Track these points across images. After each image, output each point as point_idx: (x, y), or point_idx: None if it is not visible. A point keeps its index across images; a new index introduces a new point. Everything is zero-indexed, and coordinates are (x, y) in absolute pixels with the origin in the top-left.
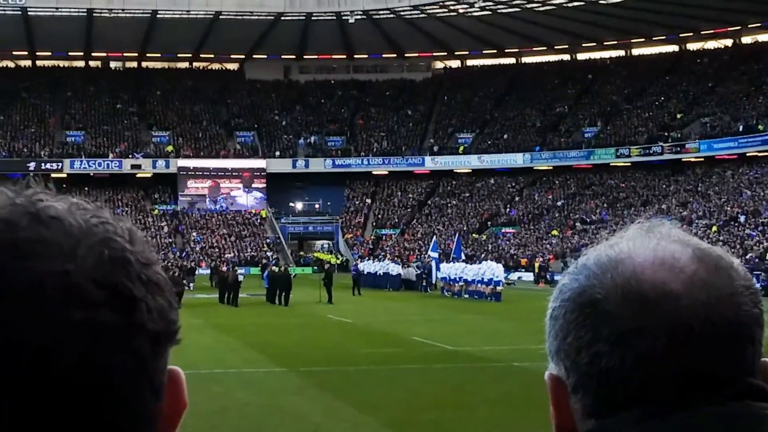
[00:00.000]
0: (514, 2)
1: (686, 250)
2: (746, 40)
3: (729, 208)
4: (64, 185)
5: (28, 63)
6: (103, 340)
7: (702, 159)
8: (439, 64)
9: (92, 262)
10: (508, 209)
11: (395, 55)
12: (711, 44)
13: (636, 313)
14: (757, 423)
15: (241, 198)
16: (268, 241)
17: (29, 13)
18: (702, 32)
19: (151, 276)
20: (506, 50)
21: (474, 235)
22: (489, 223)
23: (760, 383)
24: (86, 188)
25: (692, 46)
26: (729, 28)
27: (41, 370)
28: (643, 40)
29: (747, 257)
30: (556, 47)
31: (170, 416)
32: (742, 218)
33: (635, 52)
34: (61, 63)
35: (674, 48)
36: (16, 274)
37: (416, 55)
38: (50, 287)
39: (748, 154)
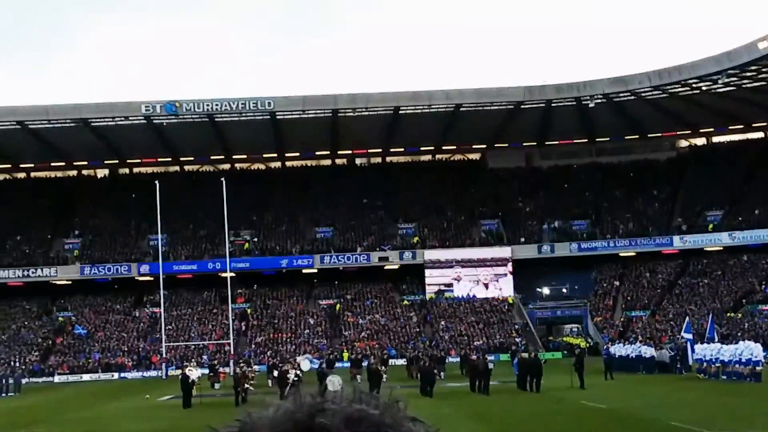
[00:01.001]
0: (761, 76)
1: None
2: None
3: None
4: (315, 280)
5: (278, 164)
6: None
7: None
8: (683, 143)
9: None
10: (763, 286)
11: (638, 136)
12: None
13: None
14: None
15: (487, 285)
16: (516, 327)
17: (278, 117)
18: None
19: None
20: (753, 125)
21: (729, 314)
22: (744, 301)
23: None
24: (336, 282)
25: None
26: None
27: None
28: None
29: None
30: None
31: None
32: None
33: None
34: (309, 162)
35: None
36: None
37: (659, 135)
38: None
39: None
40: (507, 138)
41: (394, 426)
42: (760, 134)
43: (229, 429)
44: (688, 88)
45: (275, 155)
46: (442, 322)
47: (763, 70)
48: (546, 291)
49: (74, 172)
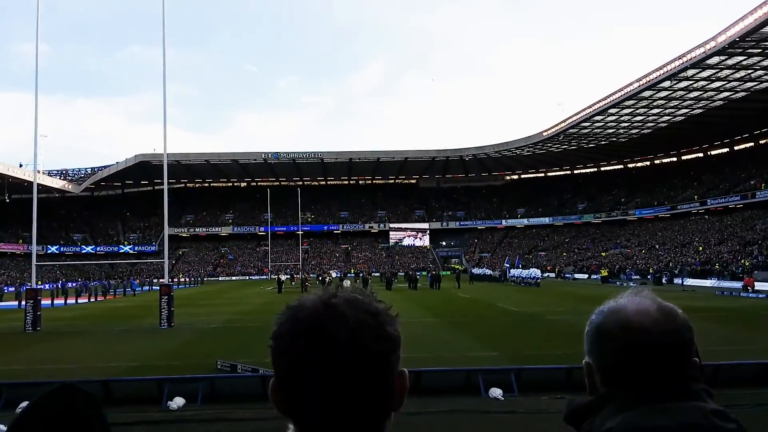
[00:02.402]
0: (544, 148)
1: (653, 304)
2: None
3: None
4: (339, 237)
5: (323, 182)
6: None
7: None
8: (507, 177)
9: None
10: (539, 245)
11: (486, 174)
12: None
13: (623, 337)
14: (702, 413)
15: (419, 239)
16: (430, 259)
17: (325, 161)
18: None
19: (388, 331)
20: (539, 170)
21: (525, 256)
22: (532, 250)
23: (702, 387)
24: (348, 237)
25: None
26: None
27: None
28: None
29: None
30: None
31: (401, 393)
32: None
33: None
34: (335, 182)
35: None
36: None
37: (497, 173)
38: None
39: None
40: (429, 172)
41: (370, 303)
42: (541, 174)
43: (291, 303)
44: (510, 152)
45: (322, 178)
46: (397, 257)
47: (546, 145)
48: (443, 243)
49: (230, 184)
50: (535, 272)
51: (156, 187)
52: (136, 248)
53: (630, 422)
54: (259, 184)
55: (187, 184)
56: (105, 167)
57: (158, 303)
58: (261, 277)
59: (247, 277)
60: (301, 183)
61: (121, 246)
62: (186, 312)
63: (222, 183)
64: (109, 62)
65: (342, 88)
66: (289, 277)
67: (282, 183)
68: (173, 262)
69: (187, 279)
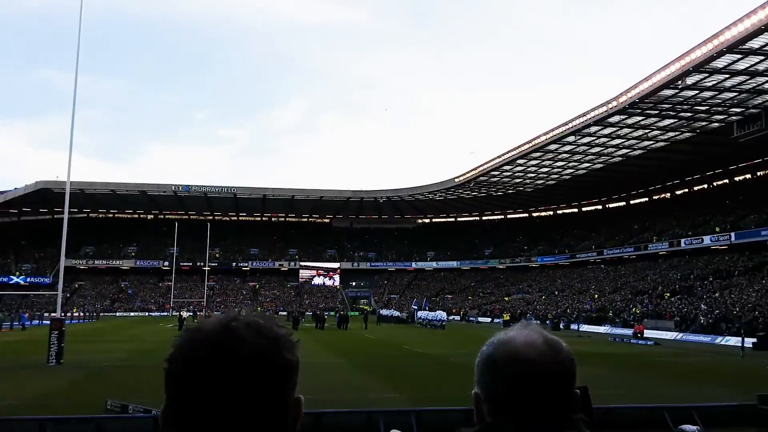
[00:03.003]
0: (456, 193)
1: (539, 337)
2: None
3: None
4: (248, 274)
5: (235, 218)
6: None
7: None
8: (419, 220)
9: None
10: (444, 288)
11: (399, 216)
12: None
13: (511, 367)
14: None
15: (329, 279)
16: (339, 299)
17: (238, 196)
18: None
19: (286, 357)
20: (450, 214)
21: (433, 298)
22: (438, 293)
23: (580, 417)
24: (257, 275)
25: None
26: None
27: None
28: None
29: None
30: None
31: (296, 419)
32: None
33: None
34: (247, 218)
35: None
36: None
37: (409, 216)
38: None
39: None
40: (343, 212)
41: (270, 328)
42: (452, 219)
43: (190, 326)
44: (423, 196)
45: (234, 214)
46: (306, 296)
47: (457, 191)
48: (353, 283)
49: (135, 216)
50: (441, 315)
51: (56, 216)
52: (29, 279)
53: None
54: (166, 216)
55: (90, 214)
56: (1, 193)
57: (48, 338)
58: (162, 314)
59: (147, 314)
60: (211, 218)
61: (12, 276)
62: (78, 348)
63: (127, 214)
64: (13, 84)
65: (260, 124)
66: (191, 314)
67: (191, 217)
68: (68, 295)
69: (82, 313)
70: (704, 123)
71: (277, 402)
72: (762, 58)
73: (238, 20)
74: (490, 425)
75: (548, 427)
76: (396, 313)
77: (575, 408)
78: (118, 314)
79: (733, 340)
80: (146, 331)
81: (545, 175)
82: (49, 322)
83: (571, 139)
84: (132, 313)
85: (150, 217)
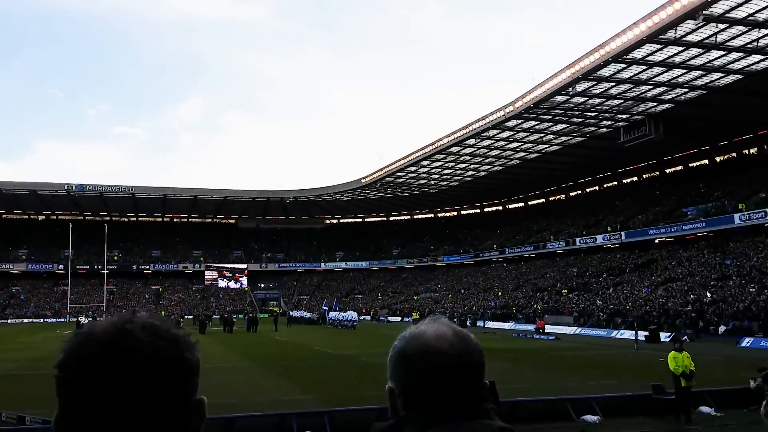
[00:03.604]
0: (363, 194)
1: (449, 330)
2: None
3: None
4: (150, 276)
5: (135, 219)
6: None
7: None
8: (327, 221)
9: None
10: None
11: (306, 217)
12: None
13: (423, 360)
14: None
15: (236, 281)
16: (248, 301)
17: (136, 196)
18: None
19: (186, 358)
20: (358, 215)
21: (343, 298)
22: (351, 291)
23: (491, 407)
24: (160, 278)
25: None
26: None
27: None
28: None
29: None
30: None
31: (198, 422)
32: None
33: None
34: (146, 219)
35: None
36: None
37: (317, 216)
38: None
39: None
40: (249, 213)
41: (168, 329)
42: (360, 220)
43: (79, 330)
44: (330, 196)
45: (133, 214)
46: (213, 299)
47: (364, 192)
48: (262, 285)
49: (25, 216)
50: (352, 315)
51: None
52: None
53: None
54: (59, 217)
55: None
56: None
57: None
58: (58, 320)
59: (42, 320)
60: (108, 219)
61: None
62: None
63: (15, 215)
64: None
65: (158, 122)
66: (91, 319)
67: (87, 218)
68: None
69: None
70: (594, 128)
71: (179, 404)
72: (644, 67)
73: (133, 14)
74: (405, 418)
75: (461, 417)
76: (307, 315)
77: (486, 398)
78: (9, 321)
79: (627, 334)
80: (42, 338)
81: (449, 177)
82: None
83: (471, 141)
84: (25, 320)
85: (41, 218)
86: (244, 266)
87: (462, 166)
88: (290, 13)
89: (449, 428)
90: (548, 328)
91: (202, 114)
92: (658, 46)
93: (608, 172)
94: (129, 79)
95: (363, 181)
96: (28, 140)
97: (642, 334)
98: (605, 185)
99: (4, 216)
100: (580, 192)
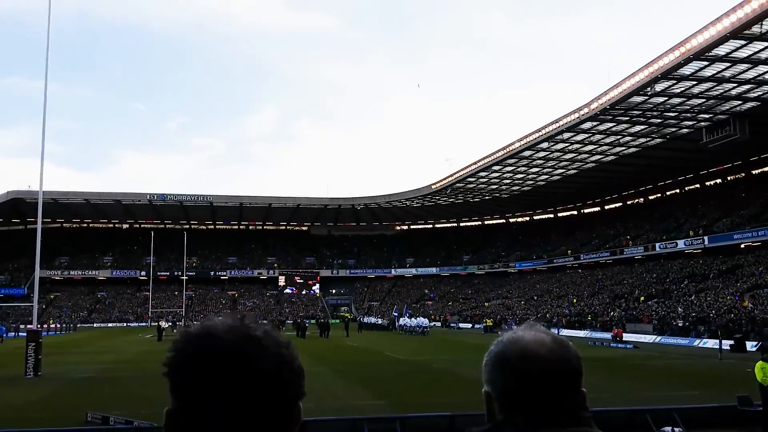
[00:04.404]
0: (433, 200)
1: (547, 336)
2: None
3: None
4: (226, 282)
5: (213, 227)
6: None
7: None
8: (398, 227)
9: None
10: (428, 293)
11: (377, 224)
12: None
13: (524, 364)
14: None
15: (309, 287)
16: (320, 307)
17: (214, 204)
18: None
19: (299, 364)
20: (428, 221)
21: (413, 305)
22: (419, 300)
23: (589, 414)
24: (236, 284)
25: None
26: None
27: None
28: None
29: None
30: None
31: (297, 423)
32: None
33: None
34: (223, 227)
35: None
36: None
37: (388, 223)
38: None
39: None
40: (320, 220)
41: (278, 336)
42: (429, 226)
43: (191, 330)
44: (400, 203)
45: (211, 222)
46: (286, 304)
47: (434, 198)
48: (333, 291)
49: (110, 225)
50: (424, 321)
51: (29, 226)
52: (3, 291)
53: None
54: (142, 226)
55: (64, 224)
56: None
57: (25, 350)
58: (140, 324)
59: (125, 324)
60: (188, 226)
61: None
62: (56, 360)
63: (102, 224)
64: None
65: (234, 131)
66: (171, 324)
67: (167, 226)
68: (43, 306)
69: (59, 325)
70: (674, 129)
71: (290, 410)
72: (728, 65)
73: (208, 28)
74: (503, 422)
75: (560, 423)
76: (378, 320)
77: (584, 406)
78: (95, 325)
79: (711, 342)
80: (125, 341)
81: (521, 181)
82: (25, 333)
83: (545, 145)
84: (110, 324)
85: (125, 226)
86: (317, 272)
87: (535, 170)
88: (355, 20)
89: None
90: (626, 336)
91: (275, 123)
92: (743, 42)
93: (690, 175)
94: (205, 91)
95: (433, 187)
96: (112, 152)
97: (726, 343)
98: (686, 188)
99: (91, 225)
100: (659, 195)
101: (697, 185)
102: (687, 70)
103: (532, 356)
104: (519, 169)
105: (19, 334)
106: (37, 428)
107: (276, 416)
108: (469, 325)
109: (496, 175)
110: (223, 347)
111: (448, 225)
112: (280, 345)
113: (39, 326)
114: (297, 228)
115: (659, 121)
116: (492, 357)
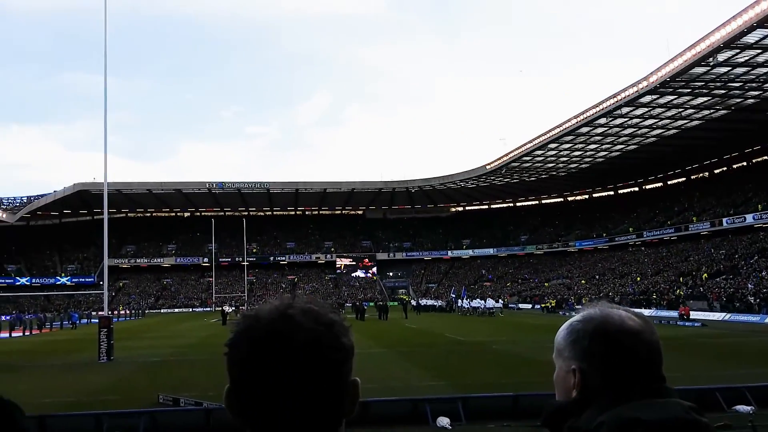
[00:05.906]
0: (488, 181)
1: (627, 312)
2: None
3: None
4: (286, 267)
5: (270, 213)
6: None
7: None
8: (453, 209)
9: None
10: (485, 274)
11: (432, 205)
12: None
13: (627, 339)
14: (684, 409)
15: (366, 270)
16: (378, 290)
17: (271, 191)
18: None
19: (342, 342)
20: (484, 201)
21: (471, 286)
22: (476, 281)
23: (673, 388)
24: (295, 268)
25: None
26: None
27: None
28: None
29: None
30: None
31: (353, 400)
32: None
33: None
34: (280, 213)
35: None
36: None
37: (443, 205)
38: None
39: None
40: (375, 203)
41: (325, 314)
42: (485, 206)
43: (247, 313)
44: (455, 184)
45: (268, 209)
46: (344, 288)
47: (489, 178)
48: (390, 274)
49: (172, 214)
50: (490, 302)
51: (95, 217)
52: (74, 280)
53: (620, 416)
54: (203, 214)
55: (128, 214)
56: (41, 196)
57: (97, 336)
58: (205, 309)
59: (191, 309)
60: (246, 213)
61: (58, 277)
62: (127, 345)
63: (164, 213)
64: (45, 88)
65: (287, 118)
66: (234, 309)
67: (227, 213)
68: (113, 293)
69: (128, 311)
70: (739, 100)
71: (336, 384)
72: None
73: (249, 17)
74: (589, 396)
75: (649, 396)
76: (435, 302)
77: (665, 378)
78: (162, 311)
79: None
80: (191, 326)
81: (578, 159)
82: (97, 320)
83: (602, 121)
84: (176, 309)
85: (186, 215)
86: (373, 255)
87: (593, 147)
88: (401, 2)
89: (642, 405)
90: (693, 314)
91: (326, 108)
92: None
93: (757, 147)
94: (256, 79)
95: (488, 167)
96: (170, 142)
97: None
98: (754, 160)
99: (155, 214)
100: (725, 168)
101: (765, 157)
102: (751, 38)
103: (634, 331)
104: (576, 147)
105: (91, 320)
106: (113, 410)
107: (317, 390)
108: (529, 306)
109: (552, 153)
110: (259, 326)
111: (504, 205)
112: (318, 323)
113: (110, 313)
114: (352, 212)
115: (723, 92)
116: (589, 333)
